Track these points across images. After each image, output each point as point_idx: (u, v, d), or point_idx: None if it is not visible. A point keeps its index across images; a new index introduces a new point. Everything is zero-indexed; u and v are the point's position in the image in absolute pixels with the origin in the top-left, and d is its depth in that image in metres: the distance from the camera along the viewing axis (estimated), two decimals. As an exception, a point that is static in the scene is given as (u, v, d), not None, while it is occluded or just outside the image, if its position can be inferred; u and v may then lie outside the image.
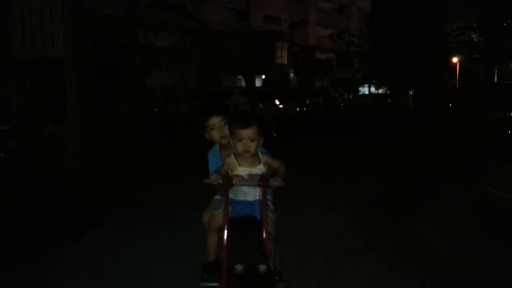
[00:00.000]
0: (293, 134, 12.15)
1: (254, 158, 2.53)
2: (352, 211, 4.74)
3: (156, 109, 12.80)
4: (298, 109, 18.82)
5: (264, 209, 2.38)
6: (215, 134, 2.73)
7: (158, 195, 5.38)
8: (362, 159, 7.77)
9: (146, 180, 6.17)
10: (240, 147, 2.46)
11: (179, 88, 11.36)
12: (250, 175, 2.48)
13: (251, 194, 2.54)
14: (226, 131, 2.70)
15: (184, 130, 9.94)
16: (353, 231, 4.09)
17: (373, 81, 34.60)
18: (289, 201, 4.47)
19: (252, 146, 2.46)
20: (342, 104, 26.83)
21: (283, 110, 17.52)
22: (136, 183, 5.92)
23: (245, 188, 2.52)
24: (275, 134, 10.02)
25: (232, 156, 2.54)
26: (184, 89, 11.74)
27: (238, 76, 30.80)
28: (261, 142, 2.53)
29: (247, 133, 2.46)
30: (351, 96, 31.72)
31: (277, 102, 17.84)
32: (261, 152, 2.57)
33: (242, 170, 2.50)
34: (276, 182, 2.40)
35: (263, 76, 31.63)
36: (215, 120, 2.73)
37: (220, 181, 2.41)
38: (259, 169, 2.53)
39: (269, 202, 2.63)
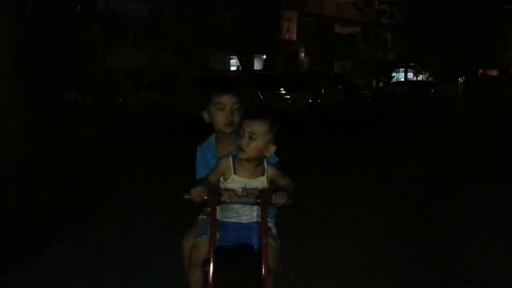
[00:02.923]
0: (304, 134, 12.16)
1: (257, 167, 2.55)
2: (382, 235, 4.83)
3: (120, 99, 12.82)
4: (310, 100, 18.85)
5: (264, 235, 2.36)
6: (221, 117, 2.74)
7: (120, 211, 5.52)
8: (396, 173, 7.79)
9: (107, 191, 6.29)
10: (244, 141, 2.50)
11: (151, 71, 11.38)
12: (245, 188, 2.48)
13: (246, 214, 2.55)
14: (236, 117, 2.74)
15: (158, 125, 9.99)
16: (380, 263, 4.15)
17: (411, 64, 34.72)
18: (298, 221, 4.62)
19: (249, 146, 2.48)
20: (369, 95, 26.90)
21: (290, 102, 17.53)
22: (95, 196, 6.03)
23: (238, 207, 2.53)
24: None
25: (230, 158, 2.55)
26: (158, 73, 11.76)
27: (231, 56, 30.85)
28: (271, 150, 2.55)
29: (250, 125, 2.50)
30: (381, 83, 31.84)
31: (283, 91, 17.84)
32: (268, 163, 2.59)
33: (237, 180, 2.52)
34: (280, 199, 2.40)
35: (264, 56, 31.71)
36: (228, 99, 2.76)
37: (205, 197, 2.40)
38: (260, 182, 2.54)
39: (270, 225, 2.63)
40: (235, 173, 2.53)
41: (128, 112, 10.41)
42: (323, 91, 21.19)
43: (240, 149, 2.49)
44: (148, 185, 6.58)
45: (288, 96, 17.71)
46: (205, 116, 2.82)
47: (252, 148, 2.49)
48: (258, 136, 2.49)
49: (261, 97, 13.00)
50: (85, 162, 7.29)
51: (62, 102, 10.44)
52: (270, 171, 2.57)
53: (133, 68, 13.38)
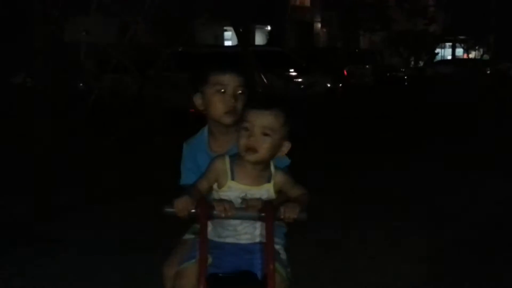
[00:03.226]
0: (321, 129, 12.15)
1: (262, 172, 2.56)
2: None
3: (81, 84, 12.82)
4: (329, 85, 18.84)
5: (270, 260, 2.35)
6: (221, 102, 2.75)
7: (81, 228, 5.65)
8: (441, 181, 7.81)
9: (63, 203, 6.41)
10: (242, 140, 2.49)
11: (121, 47, 11.38)
12: (245, 199, 2.49)
13: (247, 233, 2.56)
14: (240, 104, 2.75)
15: (130, 118, 10.01)
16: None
17: (460, 37, 34.73)
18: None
19: (264, 146, 2.48)
20: (406, 77, 26.94)
21: (302, 86, 17.53)
22: (45, 208, 6.15)
23: (236, 223, 2.53)
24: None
25: (227, 159, 2.56)
26: (130, 50, 11.76)
27: (225, 28, 30.83)
28: (285, 148, 2.56)
29: (261, 118, 2.49)
30: (421, 63, 31.87)
31: (293, 72, 17.85)
32: (276, 167, 2.59)
33: (235, 188, 2.52)
34: (290, 212, 2.39)
35: (269, 28, 31.72)
36: (230, 79, 2.77)
37: (192, 211, 2.39)
38: (265, 190, 2.55)
39: (279, 247, 2.63)
40: (233, 178, 2.53)
41: (92, 100, 10.42)
42: (345, 72, 21.20)
43: (250, 149, 2.49)
44: (115, 200, 6.61)
45: (299, 80, 17.69)
46: (198, 101, 2.81)
47: (267, 148, 2.50)
48: (273, 131, 2.50)
49: (265, 80, 12.98)
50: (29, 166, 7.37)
51: (3, 86, 10.47)
52: (279, 177, 2.57)
53: (96, 43, 13.35)
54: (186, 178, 2.79)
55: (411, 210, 6.34)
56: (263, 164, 2.55)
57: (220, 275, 2.47)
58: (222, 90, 2.75)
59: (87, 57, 12.45)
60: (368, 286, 4.41)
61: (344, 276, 4.57)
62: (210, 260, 2.44)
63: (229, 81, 2.76)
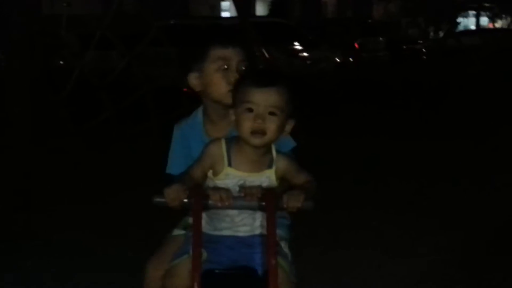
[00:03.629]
0: (329, 109, 12.13)
1: (262, 157, 2.56)
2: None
3: (61, 61, 12.83)
4: (338, 59, 18.81)
5: (271, 253, 2.34)
6: (224, 79, 2.72)
7: (63, 224, 5.67)
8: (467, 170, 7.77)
9: (44, 198, 6.42)
10: (247, 123, 2.46)
11: (105, 19, 11.36)
12: (243, 187, 2.48)
13: (246, 224, 2.56)
14: None
15: (116, 98, 10.02)
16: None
17: (485, 4, 34.58)
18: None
19: (271, 127, 2.47)
20: (424, 50, 26.86)
21: (309, 62, 17.51)
22: (26, 204, 6.19)
23: (233, 213, 2.53)
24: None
25: (223, 143, 2.55)
26: (115, 22, 11.72)
27: (222, -3, 30.70)
28: (290, 127, 2.56)
29: (267, 96, 2.47)
30: (441, 33, 31.74)
31: (298, 46, 17.81)
32: (278, 151, 2.59)
33: (233, 175, 2.52)
34: (293, 201, 2.38)
35: (271, -3, 31.61)
36: (234, 53, 2.74)
37: (185, 201, 2.39)
38: (265, 177, 2.54)
39: (281, 241, 2.63)
40: (230, 164, 2.53)
41: (73, 79, 10.43)
42: (356, 45, 21.13)
43: (257, 132, 2.47)
44: (93, 192, 6.66)
45: (306, 54, 17.67)
46: (194, 81, 2.77)
47: (275, 129, 2.48)
48: (280, 110, 2.48)
49: (266, 55, 12.93)
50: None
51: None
52: (281, 162, 2.57)
53: (78, 14, 13.35)
54: (175, 166, 2.76)
55: (426, 198, 6.39)
56: (265, 148, 2.54)
57: (216, 271, 2.48)
58: (225, 67, 2.71)
59: (68, 31, 12.45)
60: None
61: (354, 271, 4.62)
62: (205, 255, 2.44)
63: (232, 56, 2.73)
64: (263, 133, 2.47)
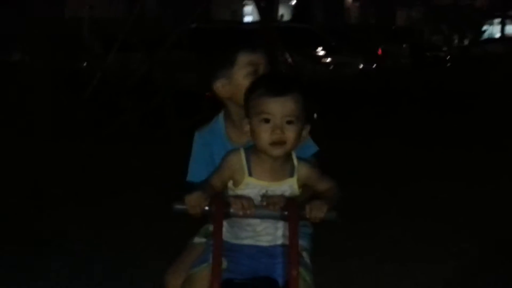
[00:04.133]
0: (352, 115, 12.09)
1: (283, 165, 2.53)
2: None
3: (85, 63, 12.88)
4: (362, 65, 18.77)
5: (294, 264, 2.33)
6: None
7: (77, 229, 5.68)
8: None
9: (59, 200, 6.45)
10: (266, 135, 2.44)
11: (128, 22, 11.40)
12: (266, 196, 2.46)
13: (268, 234, 2.55)
14: None
15: (138, 102, 10.04)
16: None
17: (511, 13, 34.34)
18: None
19: (290, 136, 2.45)
20: (448, 57, 26.75)
21: (332, 67, 17.50)
22: (40, 207, 6.19)
23: (255, 223, 2.52)
24: (316, 116, 10.04)
25: (242, 153, 2.52)
26: (137, 26, 11.76)
27: (245, 1, 30.80)
28: (307, 132, 2.54)
29: (283, 105, 2.44)
30: (466, 41, 31.57)
31: (321, 51, 17.81)
32: (300, 158, 2.57)
33: (254, 185, 2.50)
34: (317, 211, 2.37)
35: (294, 1, 31.63)
36: (261, 57, 2.73)
37: (206, 208, 2.37)
38: (288, 186, 2.52)
39: (303, 252, 2.62)
40: (250, 174, 2.51)
41: (95, 81, 10.47)
42: (380, 51, 21.06)
43: (277, 143, 2.44)
44: (112, 196, 6.66)
45: (328, 59, 17.66)
46: (221, 88, 2.73)
47: (294, 137, 2.46)
48: (297, 117, 2.46)
49: (289, 59, 12.92)
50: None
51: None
52: (303, 169, 2.54)
53: (101, 17, 13.41)
54: (196, 173, 2.73)
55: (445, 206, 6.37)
56: (285, 156, 2.52)
57: (236, 280, 2.46)
58: (252, 72, 2.69)
59: (90, 34, 12.51)
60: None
61: (372, 281, 4.62)
62: (225, 263, 2.42)
63: (261, 60, 2.72)
64: (282, 143, 2.45)
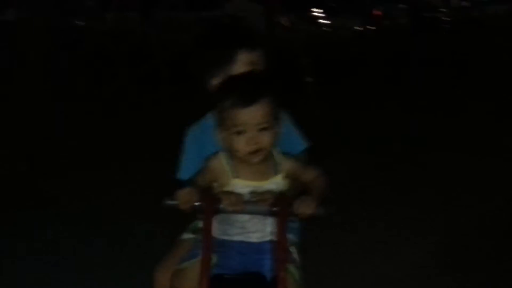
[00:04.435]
0: (348, 81, 12.04)
1: (266, 163, 2.52)
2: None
3: (83, 22, 12.79)
4: (358, 27, 18.63)
5: (282, 260, 2.36)
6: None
7: (76, 190, 5.91)
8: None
9: (57, 164, 6.63)
10: (241, 146, 2.42)
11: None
12: (255, 192, 2.47)
13: (257, 230, 2.55)
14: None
15: (134, 63, 10.03)
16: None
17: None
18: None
19: (266, 141, 2.43)
20: (448, 19, 26.42)
21: (328, 29, 17.36)
22: (38, 170, 6.40)
23: (244, 219, 2.51)
24: (310, 80, 10.02)
25: (222, 157, 2.51)
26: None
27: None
28: (280, 131, 2.49)
29: (254, 115, 2.40)
30: (466, 2, 31.18)
31: (317, 12, 17.65)
32: (282, 154, 2.55)
33: (241, 186, 2.49)
34: (305, 207, 2.38)
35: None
36: (259, 56, 2.69)
37: (196, 204, 2.39)
38: (274, 184, 2.52)
39: (291, 246, 2.62)
40: (235, 176, 2.50)
41: (92, 41, 10.44)
42: (376, 13, 20.89)
43: (256, 151, 2.43)
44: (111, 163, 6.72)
45: (324, 21, 17.54)
46: (216, 85, 2.65)
47: (270, 141, 2.45)
48: (270, 122, 2.43)
49: (284, 23, 12.86)
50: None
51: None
52: (287, 165, 2.54)
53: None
54: (187, 171, 2.70)
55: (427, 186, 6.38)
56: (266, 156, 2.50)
57: (226, 276, 2.47)
58: (254, 70, 2.65)
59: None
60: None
61: (356, 269, 4.63)
62: (214, 259, 2.44)
63: (259, 60, 2.69)
64: (259, 150, 2.43)
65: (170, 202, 2.40)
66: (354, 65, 13.88)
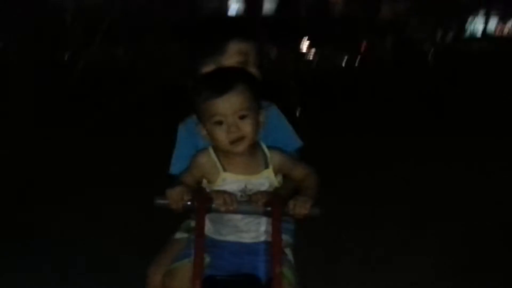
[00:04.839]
0: (336, 110, 12.08)
1: (254, 157, 2.50)
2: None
3: (67, 54, 12.80)
4: (345, 59, 18.84)
5: (276, 261, 2.31)
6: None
7: (60, 221, 5.59)
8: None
9: (42, 193, 6.37)
10: (223, 137, 2.41)
11: (112, 11, 11.33)
12: (246, 191, 2.45)
13: (251, 230, 2.53)
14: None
15: (122, 95, 10.00)
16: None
17: (496, 8, 34.43)
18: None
19: (247, 129, 2.41)
20: (431, 52, 26.75)
21: (315, 61, 17.53)
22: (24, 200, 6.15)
23: (237, 218, 2.49)
24: (298, 111, 10.05)
25: (211, 151, 2.49)
26: (122, 15, 11.69)
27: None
28: (264, 116, 2.48)
29: (230, 103, 2.39)
30: (450, 36, 31.56)
31: (305, 44, 17.83)
32: (271, 147, 2.53)
33: (231, 180, 2.46)
34: (300, 208, 2.34)
35: (278, -7, 31.59)
36: (251, 46, 2.68)
37: (188, 203, 2.34)
38: (265, 178, 2.49)
39: (286, 248, 2.61)
40: (225, 170, 2.48)
41: (77, 72, 10.42)
42: (364, 45, 21.08)
43: (237, 140, 2.40)
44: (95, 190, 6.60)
45: (311, 53, 17.71)
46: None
47: (251, 130, 2.42)
48: (249, 109, 2.41)
49: (273, 54, 12.96)
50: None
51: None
52: (276, 158, 2.52)
53: (87, 6, 13.29)
54: (179, 166, 2.67)
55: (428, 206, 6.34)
56: (252, 148, 2.49)
57: (218, 277, 2.44)
58: (244, 60, 2.65)
59: (74, 24, 12.42)
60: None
61: (359, 276, 4.64)
62: (207, 260, 2.42)
63: (251, 50, 2.67)
64: (241, 139, 2.41)
65: (160, 201, 2.36)
66: (339, 95, 14.00)
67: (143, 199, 2.58)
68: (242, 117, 2.40)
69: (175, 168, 2.71)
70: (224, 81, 2.42)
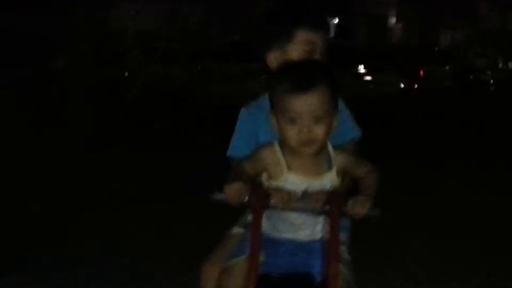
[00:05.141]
0: (392, 134, 11.99)
1: (319, 157, 2.46)
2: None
3: (127, 73, 13.00)
4: (403, 85, 18.69)
5: (333, 260, 2.30)
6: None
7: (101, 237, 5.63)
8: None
9: (95, 209, 6.48)
10: (293, 135, 2.37)
11: (170, 33, 11.48)
12: (307, 194, 2.40)
13: (307, 228, 2.49)
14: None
15: (177, 114, 10.08)
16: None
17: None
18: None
19: (319, 134, 2.37)
20: (491, 80, 26.45)
21: (372, 85, 17.44)
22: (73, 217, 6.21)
23: (295, 216, 2.46)
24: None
25: (277, 147, 2.45)
26: (180, 36, 11.82)
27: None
28: (336, 123, 2.43)
29: (309, 104, 2.34)
30: (510, 65, 31.15)
31: (362, 69, 17.76)
32: (335, 148, 2.49)
33: (294, 181, 2.43)
34: (359, 208, 2.31)
35: (336, 20, 31.67)
36: (319, 36, 2.63)
37: (246, 199, 2.32)
38: (328, 181, 2.45)
39: (343, 247, 2.56)
40: (289, 169, 2.44)
41: (136, 90, 10.55)
42: (422, 72, 20.93)
43: (308, 142, 2.36)
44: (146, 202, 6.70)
45: (369, 78, 17.60)
46: (273, 60, 2.63)
47: (324, 134, 2.38)
48: (326, 112, 2.37)
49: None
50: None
51: (42, 71, 10.67)
52: (341, 160, 2.48)
53: (145, 29, 13.51)
54: (238, 148, 2.64)
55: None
56: (320, 151, 2.45)
57: (274, 275, 2.42)
58: (311, 50, 2.61)
59: (134, 45, 12.64)
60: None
61: None
62: (263, 257, 2.38)
63: (319, 40, 2.63)
64: (312, 142, 2.37)
65: (218, 197, 2.34)
66: (394, 120, 13.94)
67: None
68: (316, 120, 2.36)
69: (233, 151, 2.68)
70: (307, 77, 2.37)
